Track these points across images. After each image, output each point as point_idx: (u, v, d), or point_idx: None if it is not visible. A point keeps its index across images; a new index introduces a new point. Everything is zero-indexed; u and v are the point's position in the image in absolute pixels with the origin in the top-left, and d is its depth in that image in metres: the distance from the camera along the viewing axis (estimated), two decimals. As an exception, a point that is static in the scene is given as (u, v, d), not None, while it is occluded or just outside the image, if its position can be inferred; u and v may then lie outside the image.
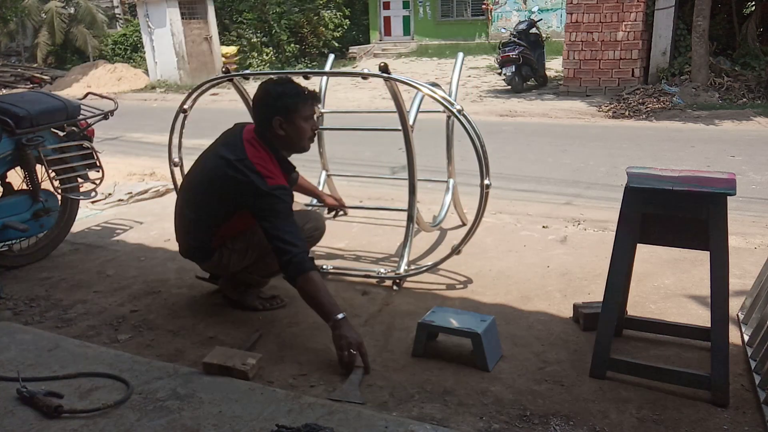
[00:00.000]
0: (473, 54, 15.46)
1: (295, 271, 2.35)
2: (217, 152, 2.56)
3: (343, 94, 11.63)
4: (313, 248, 3.64)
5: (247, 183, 2.43)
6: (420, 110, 3.28)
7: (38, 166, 3.30)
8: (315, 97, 2.61)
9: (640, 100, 9.15)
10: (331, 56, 4.30)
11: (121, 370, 2.19)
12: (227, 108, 10.62)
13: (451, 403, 2.08)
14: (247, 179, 2.42)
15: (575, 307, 2.65)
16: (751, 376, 2.17)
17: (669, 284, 2.97)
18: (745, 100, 8.89)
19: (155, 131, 8.28)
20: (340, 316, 2.32)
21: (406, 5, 19.33)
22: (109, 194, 4.89)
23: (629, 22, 9.69)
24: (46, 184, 3.39)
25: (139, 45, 17.26)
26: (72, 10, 19.09)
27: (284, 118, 2.52)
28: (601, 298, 2.21)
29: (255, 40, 16.41)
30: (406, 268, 3.08)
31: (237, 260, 2.69)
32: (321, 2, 17.55)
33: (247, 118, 3.44)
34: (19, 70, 17.37)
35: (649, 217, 2.11)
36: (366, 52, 18.16)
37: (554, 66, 12.76)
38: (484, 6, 18.00)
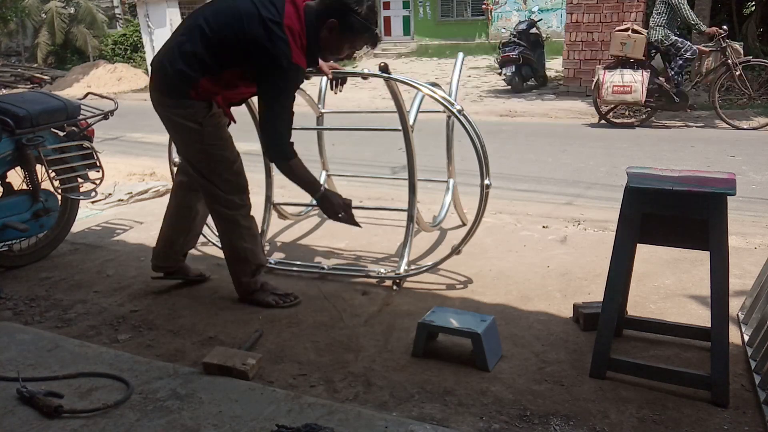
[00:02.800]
0: (473, 54, 15.47)
1: (283, 156, 2.58)
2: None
3: (343, 94, 11.49)
4: (314, 249, 3.65)
5: (269, 47, 2.37)
6: (420, 110, 3.28)
7: (38, 166, 3.30)
8: (375, 42, 2.59)
9: (640, 100, 9.14)
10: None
11: (121, 370, 2.19)
12: (227, 108, 10.60)
13: (451, 403, 2.08)
14: (271, 44, 2.36)
15: (575, 307, 2.65)
16: (751, 376, 2.17)
17: (669, 284, 2.97)
18: (745, 100, 8.89)
19: (155, 131, 8.23)
20: (323, 189, 2.69)
21: (406, 5, 19.33)
22: (109, 194, 4.89)
23: (629, 22, 9.68)
24: (46, 184, 3.39)
25: (139, 45, 17.28)
26: (72, 10, 19.11)
27: (337, 27, 2.46)
28: (601, 298, 2.21)
29: (255, 40, 16.38)
30: (406, 268, 3.08)
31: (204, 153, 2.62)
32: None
33: (247, 117, 3.44)
34: (19, 70, 17.38)
35: (649, 217, 2.11)
36: (366, 52, 18.16)
37: (554, 66, 12.76)
38: (484, 6, 18.01)
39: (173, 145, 3.45)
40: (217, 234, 2.85)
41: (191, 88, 2.54)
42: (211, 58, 2.51)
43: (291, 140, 2.58)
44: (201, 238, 3.61)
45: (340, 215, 2.71)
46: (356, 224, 2.81)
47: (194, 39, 2.50)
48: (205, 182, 2.71)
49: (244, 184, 2.76)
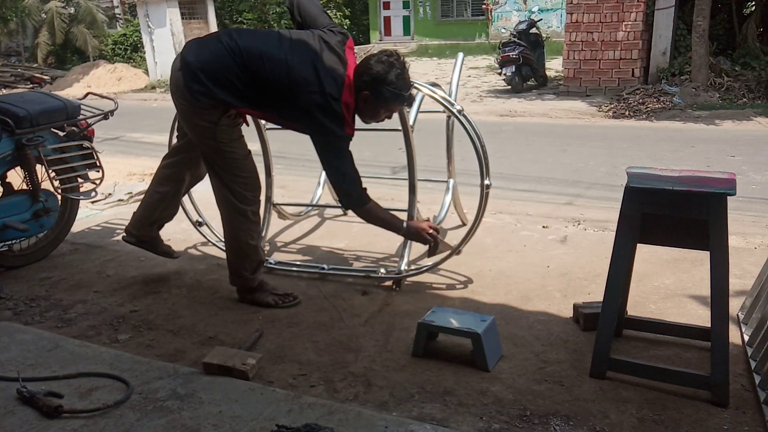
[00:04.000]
0: (473, 54, 15.47)
1: (360, 203, 2.66)
2: (319, 65, 2.48)
3: (343, 94, 11.61)
4: (314, 249, 3.65)
5: (325, 122, 2.47)
6: (420, 110, 3.28)
7: (38, 166, 3.30)
8: (410, 103, 2.69)
9: (640, 100, 9.15)
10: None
11: (121, 370, 2.19)
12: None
13: (451, 403, 2.08)
14: (328, 118, 2.46)
15: (575, 307, 2.65)
16: (751, 376, 2.17)
17: (669, 284, 2.97)
18: (745, 100, 8.89)
19: (155, 131, 8.28)
20: (404, 224, 2.73)
21: (406, 5, 19.34)
22: (109, 194, 4.89)
23: (629, 22, 9.69)
24: (46, 184, 3.39)
25: (139, 45, 17.27)
26: (72, 10, 19.10)
27: (372, 99, 2.55)
28: (601, 298, 2.21)
29: (255, 40, 16.41)
30: (406, 268, 3.08)
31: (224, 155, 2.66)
32: (321, 2, 17.54)
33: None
34: (19, 70, 17.38)
35: (649, 217, 2.11)
36: (366, 52, 18.15)
37: (554, 66, 12.75)
38: (484, 6, 18.01)
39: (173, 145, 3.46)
40: (223, 227, 2.86)
41: (224, 110, 2.59)
42: (255, 97, 2.56)
43: (364, 186, 2.65)
44: (201, 238, 3.62)
45: (430, 240, 2.77)
46: (449, 247, 2.92)
47: (243, 74, 2.51)
48: (218, 176, 2.73)
49: (255, 181, 2.80)
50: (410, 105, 2.69)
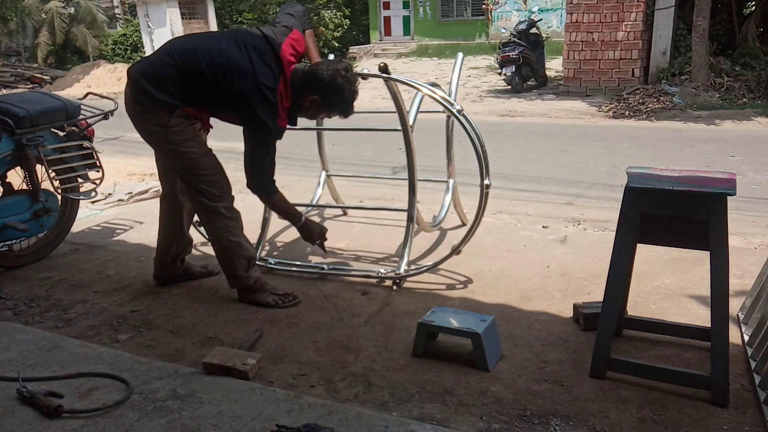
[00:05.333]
0: (473, 54, 15.46)
1: (267, 193, 2.80)
2: (253, 55, 2.57)
3: (343, 94, 11.62)
4: (314, 249, 3.65)
5: (258, 112, 2.55)
6: (420, 110, 3.28)
7: (38, 166, 3.30)
8: (348, 116, 2.78)
9: (640, 100, 9.15)
10: (331, 56, 4.29)
11: (121, 370, 2.19)
12: (227, 108, 10.60)
13: (451, 403, 2.08)
14: (261, 107, 2.53)
15: (575, 307, 2.65)
16: (751, 376, 2.17)
17: (669, 284, 2.97)
18: (745, 100, 8.89)
19: (155, 131, 8.27)
20: (303, 219, 2.91)
21: (406, 5, 19.32)
22: (109, 194, 4.89)
23: (629, 22, 9.69)
24: (46, 184, 3.39)
25: (139, 45, 17.28)
26: (72, 10, 19.10)
27: (319, 103, 2.68)
28: (601, 298, 2.21)
29: (255, 40, 16.40)
30: (406, 268, 3.08)
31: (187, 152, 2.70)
32: (321, 2, 17.54)
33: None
34: (19, 70, 17.38)
35: (649, 217, 2.11)
36: (366, 52, 18.15)
37: (554, 66, 12.75)
38: (484, 6, 18.00)
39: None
40: (205, 232, 2.91)
41: (170, 112, 2.63)
42: (194, 92, 2.63)
43: (273, 178, 2.77)
44: (201, 238, 3.61)
45: (317, 242, 2.96)
46: (325, 252, 3.09)
47: (179, 72, 2.60)
48: (183, 178, 2.78)
49: (221, 177, 2.82)
50: (346, 117, 2.79)
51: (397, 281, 3.05)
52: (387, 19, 19.67)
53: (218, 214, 2.79)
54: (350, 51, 18.23)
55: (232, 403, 1.98)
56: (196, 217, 3.52)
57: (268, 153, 2.68)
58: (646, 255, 3.03)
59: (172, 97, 2.61)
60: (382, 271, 3.13)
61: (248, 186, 2.78)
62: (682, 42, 9.74)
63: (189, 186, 2.78)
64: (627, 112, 8.75)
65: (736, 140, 6.84)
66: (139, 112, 2.67)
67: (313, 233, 2.93)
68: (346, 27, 18.27)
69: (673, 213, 2.06)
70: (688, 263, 3.16)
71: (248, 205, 4.48)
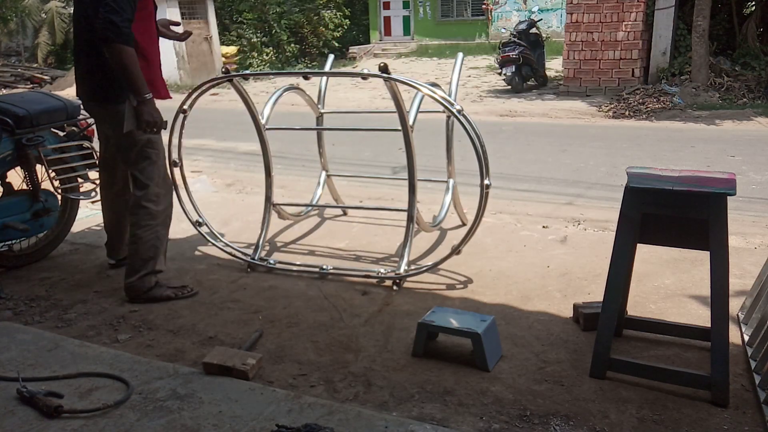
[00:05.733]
0: (473, 54, 15.46)
1: (117, 36, 2.51)
2: None
3: (343, 94, 11.63)
4: (314, 249, 3.66)
5: None
6: (420, 110, 3.28)
7: (38, 166, 3.30)
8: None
9: (640, 100, 9.15)
10: (331, 56, 4.30)
11: (121, 370, 2.19)
12: (227, 108, 10.62)
13: (451, 403, 2.08)
14: None
15: (575, 307, 2.65)
16: (751, 376, 2.17)
17: (669, 284, 2.97)
18: (745, 100, 8.88)
19: (155, 131, 8.27)
20: (148, 96, 2.66)
21: (406, 5, 19.32)
22: (109, 194, 4.88)
23: (629, 22, 9.69)
24: (46, 184, 3.39)
25: (139, 45, 17.23)
26: (72, 10, 19.07)
27: None
28: (601, 298, 2.21)
29: (255, 40, 16.42)
30: (406, 268, 3.08)
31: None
32: (321, 2, 17.55)
33: (247, 118, 3.45)
34: (19, 70, 17.36)
35: (649, 217, 2.11)
36: (366, 52, 18.15)
37: (554, 66, 12.75)
38: (484, 6, 18.00)
39: (173, 145, 3.46)
40: (131, 227, 2.95)
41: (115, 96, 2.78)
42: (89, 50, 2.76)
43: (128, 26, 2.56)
44: (200, 238, 3.61)
45: (153, 129, 2.74)
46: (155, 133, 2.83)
47: (84, 52, 2.79)
48: (132, 174, 2.91)
49: (169, 185, 3.00)
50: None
51: (397, 281, 3.05)
52: (387, 19, 19.67)
53: (154, 218, 2.92)
54: (350, 51, 18.24)
55: (232, 403, 1.98)
56: (197, 218, 3.52)
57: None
58: (646, 255, 3.03)
59: (98, 82, 2.85)
60: (382, 271, 3.13)
61: (102, 29, 2.52)
62: (682, 42, 9.74)
63: (137, 184, 2.93)
64: (627, 112, 8.75)
65: (736, 140, 6.84)
66: (99, 107, 2.96)
67: (154, 114, 2.69)
68: (346, 27, 18.29)
69: (673, 213, 2.06)
70: (688, 263, 3.16)
71: (248, 205, 4.49)
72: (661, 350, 2.38)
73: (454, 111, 2.84)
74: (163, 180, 2.94)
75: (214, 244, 3.52)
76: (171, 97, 2.98)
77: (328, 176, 4.16)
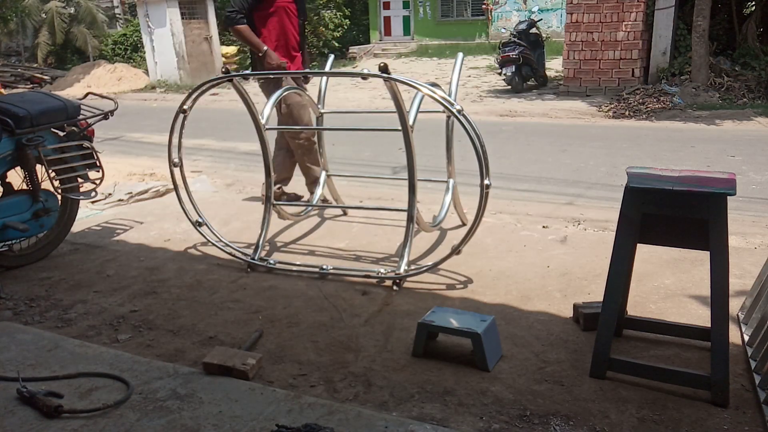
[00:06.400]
0: (473, 54, 15.46)
1: (229, 22, 3.98)
2: None
3: (343, 94, 11.63)
4: (314, 249, 3.66)
5: None
6: (420, 110, 3.27)
7: (38, 166, 3.30)
8: None
9: (640, 100, 9.14)
10: (331, 56, 4.30)
11: (121, 370, 2.19)
12: (227, 108, 10.62)
13: (451, 403, 2.08)
14: None
15: (575, 307, 2.65)
16: (751, 376, 2.17)
17: (669, 284, 2.97)
18: (745, 100, 8.88)
19: (155, 131, 8.28)
20: (265, 47, 3.93)
21: (406, 5, 19.32)
22: (109, 194, 4.89)
23: (629, 22, 9.69)
24: (46, 184, 3.39)
25: (139, 45, 17.27)
26: (72, 10, 19.08)
27: None
28: (601, 298, 2.21)
29: (255, 40, 16.39)
30: (406, 268, 3.08)
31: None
32: (321, 2, 17.54)
33: (247, 118, 3.45)
34: (19, 70, 17.36)
35: (649, 217, 2.11)
36: (366, 52, 18.15)
37: (554, 66, 12.75)
38: (484, 6, 18.00)
39: (173, 145, 3.46)
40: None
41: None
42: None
43: (242, 15, 3.91)
44: (201, 238, 3.62)
45: (272, 67, 3.91)
46: (280, 69, 3.96)
47: None
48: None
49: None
50: None
51: (397, 281, 3.05)
52: (387, 19, 19.67)
53: None
54: (350, 51, 18.23)
55: (232, 403, 1.98)
56: (197, 218, 3.52)
57: None
58: (646, 255, 3.03)
59: None
60: (382, 271, 3.13)
61: (227, 18, 3.90)
62: (682, 42, 9.74)
63: None
64: (627, 112, 8.74)
65: (736, 140, 6.84)
66: None
67: (272, 61, 3.89)
68: (346, 27, 18.27)
69: (673, 213, 2.06)
70: (688, 263, 3.16)
71: (248, 205, 4.49)
72: (661, 350, 2.38)
73: (454, 111, 2.84)
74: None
75: (214, 244, 3.52)
76: (286, 60, 3.98)
77: (328, 176, 4.16)
